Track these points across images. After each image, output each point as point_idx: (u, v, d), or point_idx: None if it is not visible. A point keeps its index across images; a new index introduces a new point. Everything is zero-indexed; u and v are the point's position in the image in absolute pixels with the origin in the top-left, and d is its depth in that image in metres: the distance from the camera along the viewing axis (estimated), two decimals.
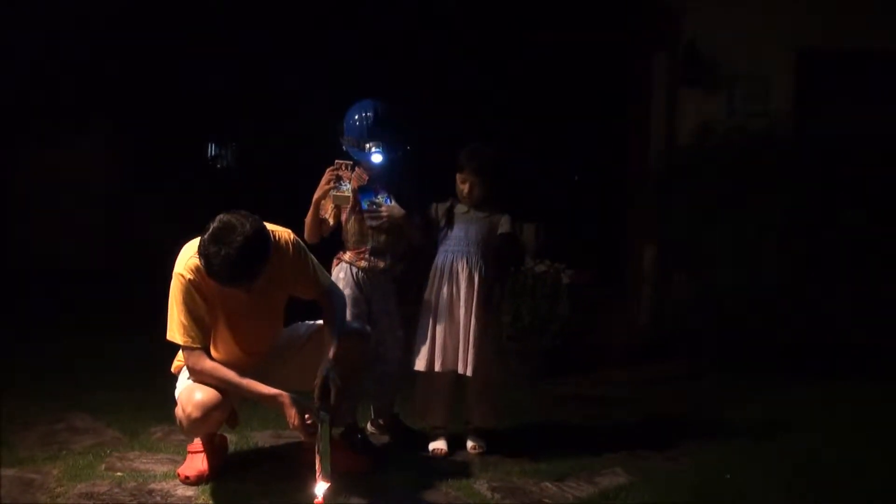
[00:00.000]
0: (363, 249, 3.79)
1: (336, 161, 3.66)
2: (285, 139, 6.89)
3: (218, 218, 2.94)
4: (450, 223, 3.83)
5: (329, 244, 3.82)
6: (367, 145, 3.68)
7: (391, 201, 3.76)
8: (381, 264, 3.82)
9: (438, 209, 3.86)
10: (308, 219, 3.72)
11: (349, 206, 3.74)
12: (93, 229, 7.03)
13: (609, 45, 7.00)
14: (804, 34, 6.22)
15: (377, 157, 3.68)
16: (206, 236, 2.91)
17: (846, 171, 6.30)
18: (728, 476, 3.58)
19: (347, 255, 3.81)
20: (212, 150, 8.32)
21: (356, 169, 3.70)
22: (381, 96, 3.83)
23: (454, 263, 3.77)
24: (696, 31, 6.31)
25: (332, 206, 3.73)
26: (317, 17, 6.89)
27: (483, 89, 6.97)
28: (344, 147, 3.77)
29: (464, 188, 3.79)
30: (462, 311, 3.74)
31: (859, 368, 5.32)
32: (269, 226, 3.11)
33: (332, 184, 3.64)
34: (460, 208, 3.83)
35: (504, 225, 3.82)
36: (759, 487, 3.48)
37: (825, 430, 4.26)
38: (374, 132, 3.69)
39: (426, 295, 3.83)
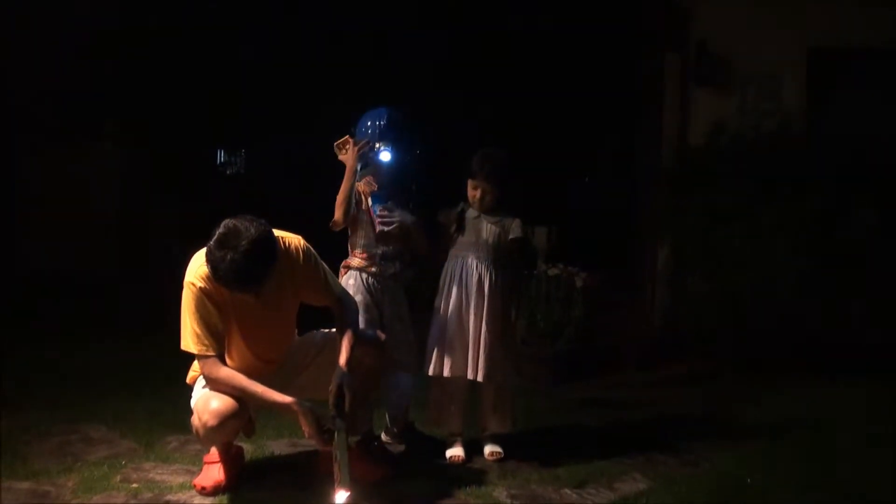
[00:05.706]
0: (373, 255, 3.76)
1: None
2: (296, 145, 6.87)
3: (223, 223, 2.93)
4: (460, 228, 3.80)
5: (334, 254, 3.75)
6: (377, 145, 3.69)
7: (401, 208, 3.78)
8: (391, 270, 3.79)
9: (449, 215, 3.83)
10: (341, 195, 3.61)
11: (368, 193, 3.73)
12: (102, 237, 7.03)
13: (620, 45, 6.98)
14: (815, 32, 6.20)
15: (385, 156, 3.69)
16: (212, 242, 2.91)
17: (859, 169, 6.26)
18: (749, 481, 3.53)
19: (356, 262, 3.77)
20: (221, 156, 8.32)
21: (366, 178, 3.71)
22: (391, 101, 3.83)
23: (465, 269, 3.75)
24: (707, 31, 6.30)
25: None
26: (328, 20, 6.88)
27: (492, 91, 6.95)
28: None
29: (475, 194, 3.76)
30: (472, 316, 3.71)
31: (877, 368, 5.25)
32: (279, 232, 3.10)
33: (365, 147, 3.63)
34: (471, 213, 3.80)
35: (515, 230, 3.79)
36: (781, 491, 3.44)
37: (846, 431, 4.21)
38: (385, 135, 3.70)
39: (437, 300, 3.81)
